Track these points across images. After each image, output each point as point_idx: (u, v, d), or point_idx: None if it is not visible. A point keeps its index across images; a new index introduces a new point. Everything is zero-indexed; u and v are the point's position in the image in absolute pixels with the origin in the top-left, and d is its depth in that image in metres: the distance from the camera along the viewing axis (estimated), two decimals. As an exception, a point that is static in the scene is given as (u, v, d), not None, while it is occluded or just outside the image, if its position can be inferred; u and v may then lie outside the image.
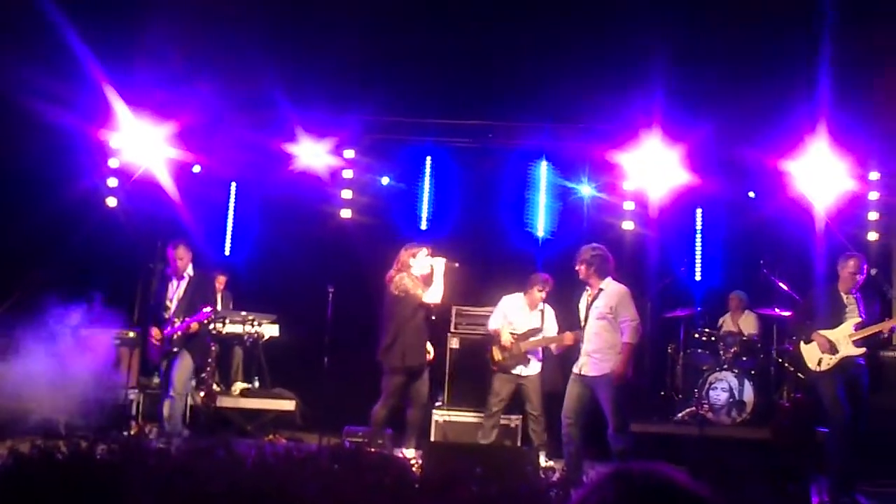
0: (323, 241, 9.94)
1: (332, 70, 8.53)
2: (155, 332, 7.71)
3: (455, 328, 9.10)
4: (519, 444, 8.39)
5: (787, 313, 8.53)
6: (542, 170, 9.94)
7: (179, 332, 7.62)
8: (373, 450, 6.67)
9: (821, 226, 8.96)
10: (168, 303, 7.78)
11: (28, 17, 7.72)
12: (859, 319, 6.86)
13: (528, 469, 5.54)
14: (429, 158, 10.16)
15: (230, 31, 7.84)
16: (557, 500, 4.55)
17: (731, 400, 8.80)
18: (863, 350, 6.82)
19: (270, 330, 9.65)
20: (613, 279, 6.89)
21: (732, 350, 9.09)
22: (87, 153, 9.64)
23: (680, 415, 9.05)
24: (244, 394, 9.50)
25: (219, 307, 9.80)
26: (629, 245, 9.51)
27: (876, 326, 6.80)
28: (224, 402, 9.15)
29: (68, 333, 8.23)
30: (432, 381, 8.64)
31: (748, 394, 8.76)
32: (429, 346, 7.69)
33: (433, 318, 7.57)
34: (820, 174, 8.90)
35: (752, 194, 9.62)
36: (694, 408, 8.89)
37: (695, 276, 10.06)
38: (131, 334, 8.85)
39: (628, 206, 9.63)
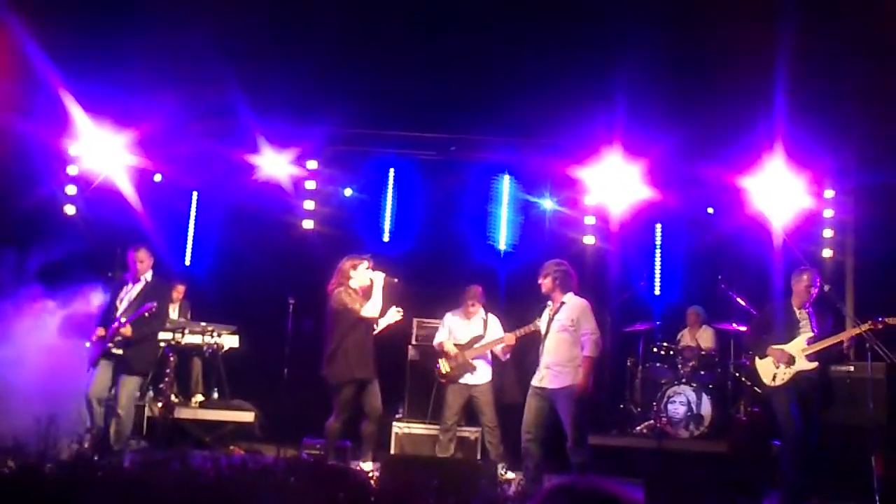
0: (285, 252, 9.90)
1: (296, 80, 8.51)
2: (99, 330, 7.51)
3: (416, 340, 9.11)
4: (478, 456, 8.41)
5: (744, 328, 8.64)
6: (505, 184, 10.02)
7: (121, 330, 7.38)
8: (330, 462, 6.63)
9: (778, 242, 9.11)
10: (118, 303, 7.59)
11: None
12: (812, 334, 6.97)
13: (484, 482, 5.55)
14: (392, 170, 10.19)
15: (192, 40, 7.78)
16: (512, 513, 4.56)
17: (689, 413, 8.89)
18: (815, 364, 6.92)
19: (230, 341, 9.57)
20: (575, 294, 6.95)
21: (691, 364, 9.20)
22: (46, 160, 9.50)
23: (638, 428, 9.12)
24: (203, 405, 9.41)
25: (175, 316, 9.75)
26: (590, 259, 9.62)
27: (828, 340, 6.90)
28: (182, 413, 9.05)
29: (23, 341, 8.06)
30: (392, 394, 8.64)
31: (706, 408, 8.85)
32: (398, 310, 7.68)
33: (375, 328, 7.53)
34: (777, 191, 9.06)
35: (710, 210, 9.76)
36: (652, 421, 8.97)
37: (654, 290, 10.17)
38: (87, 344, 8.72)
39: (589, 220, 9.73)
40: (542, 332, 6.98)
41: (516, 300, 8.47)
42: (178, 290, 9.84)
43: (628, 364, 9.63)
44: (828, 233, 9.50)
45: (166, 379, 8.60)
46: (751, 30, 7.67)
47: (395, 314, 7.62)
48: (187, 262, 10.56)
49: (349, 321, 7.33)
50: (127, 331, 7.39)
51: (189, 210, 10.65)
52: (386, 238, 10.12)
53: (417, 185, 10.15)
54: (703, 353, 9.32)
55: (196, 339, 9.28)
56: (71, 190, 9.75)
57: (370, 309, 7.35)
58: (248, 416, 9.21)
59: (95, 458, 4.46)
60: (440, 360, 8.25)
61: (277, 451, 7.50)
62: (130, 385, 7.50)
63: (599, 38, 8.06)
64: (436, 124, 9.54)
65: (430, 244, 10.01)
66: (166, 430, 8.55)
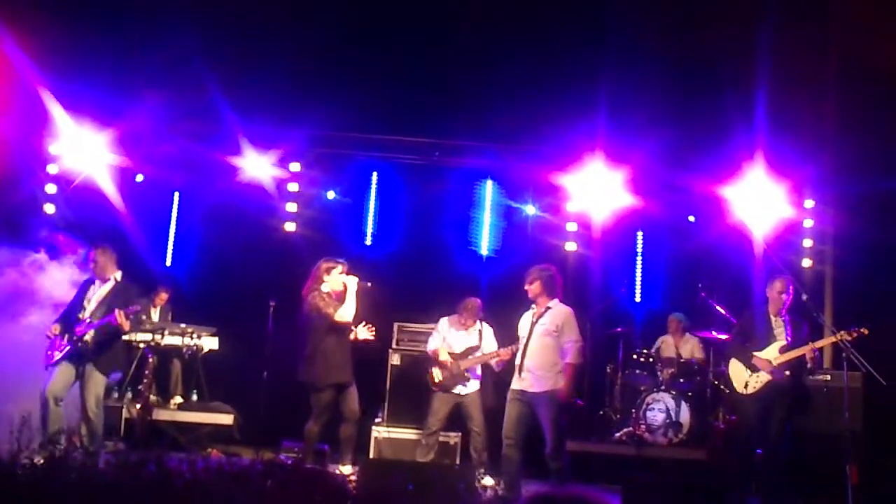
0: (266, 254, 9.87)
1: (279, 82, 8.50)
2: (54, 326, 7.35)
3: (397, 344, 9.10)
4: (458, 461, 8.40)
5: (724, 336, 8.68)
6: (488, 189, 10.03)
7: (87, 332, 7.25)
8: (308, 466, 6.60)
9: (758, 251, 9.17)
10: (86, 303, 7.44)
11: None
12: (785, 342, 7.01)
13: (462, 487, 5.54)
14: (375, 174, 10.18)
15: (175, 40, 7.76)
16: (489, 518, 4.56)
17: (667, 421, 8.91)
18: (786, 373, 6.94)
19: (210, 343, 9.52)
20: (560, 301, 6.96)
21: (670, 371, 9.23)
22: (25, 159, 9.43)
23: (617, 434, 9.14)
24: (181, 407, 9.36)
25: (157, 319, 9.70)
26: (572, 265, 9.64)
27: (799, 350, 6.92)
28: (161, 415, 9.00)
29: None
30: (373, 398, 8.63)
31: (685, 415, 8.88)
32: (370, 329, 7.63)
33: (352, 331, 7.50)
34: (757, 201, 9.12)
35: (692, 218, 9.81)
36: (631, 428, 8.99)
37: (635, 297, 10.21)
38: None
39: (571, 227, 9.75)
40: (525, 335, 6.96)
41: (498, 305, 8.47)
42: (161, 298, 9.82)
43: (608, 370, 9.65)
44: (807, 242, 9.58)
45: (145, 380, 8.54)
46: (733, 40, 7.75)
47: (365, 332, 7.58)
48: (168, 263, 10.49)
49: (324, 325, 7.32)
50: (88, 336, 7.29)
51: (171, 210, 10.59)
52: (368, 242, 10.10)
53: (400, 190, 10.15)
54: (682, 360, 9.36)
55: (176, 341, 9.23)
56: (51, 189, 9.68)
57: (343, 313, 7.34)
58: (226, 419, 9.17)
59: (68, 458, 4.39)
60: (433, 369, 8.11)
61: (255, 453, 7.46)
62: (96, 386, 7.31)
63: (583, 46, 8.11)
64: (419, 129, 9.55)
65: (412, 248, 10.00)
66: (144, 431, 8.50)
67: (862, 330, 6.88)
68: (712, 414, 9.20)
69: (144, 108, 8.75)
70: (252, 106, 8.82)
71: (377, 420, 8.88)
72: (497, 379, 8.08)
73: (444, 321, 8.33)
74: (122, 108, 8.92)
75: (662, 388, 9.07)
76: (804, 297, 7.28)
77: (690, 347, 9.57)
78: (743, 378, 7.05)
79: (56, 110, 8.78)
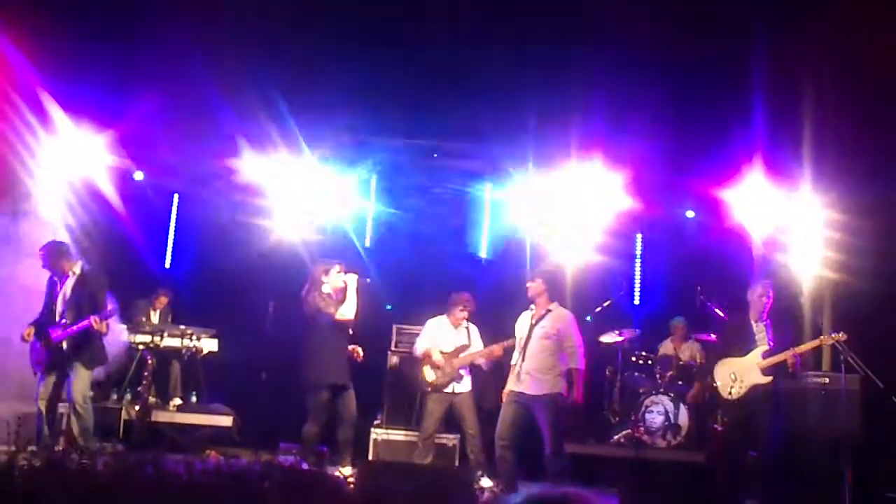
0: (265, 256, 9.86)
1: (278, 85, 8.49)
2: (28, 329, 7.34)
3: (395, 346, 9.11)
4: (457, 463, 8.40)
5: (721, 340, 8.68)
6: (487, 191, 10.01)
7: (64, 339, 7.24)
8: (305, 467, 6.61)
9: (757, 254, 9.16)
10: (55, 305, 7.40)
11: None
12: (767, 347, 7.01)
13: (460, 489, 5.54)
14: (374, 177, 10.15)
15: (174, 41, 7.76)
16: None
17: (666, 423, 8.91)
18: (770, 378, 6.94)
19: (209, 344, 9.53)
20: (560, 304, 6.95)
21: (669, 374, 9.23)
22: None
23: (616, 437, 9.14)
24: (180, 408, 9.36)
25: (157, 321, 9.70)
26: (570, 268, 9.61)
27: (781, 356, 6.91)
28: (159, 416, 9.00)
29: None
30: (371, 400, 8.62)
31: (683, 417, 8.88)
32: (359, 350, 7.64)
33: (351, 332, 7.51)
34: (757, 203, 9.11)
35: (690, 213, 9.77)
36: (630, 430, 8.99)
37: (634, 300, 10.21)
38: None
39: (571, 228, 9.70)
40: (523, 336, 6.94)
41: (496, 308, 8.46)
42: (161, 300, 9.83)
43: (607, 373, 9.64)
44: (806, 245, 9.55)
45: (144, 382, 8.55)
46: (731, 42, 7.75)
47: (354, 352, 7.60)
48: (167, 265, 10.50)
49: (324, 326, 7.32)
50: (65, 343, 7.28)
51: (170, 212, 10.59)
52: (367, 243, 10.09)
53: (399, 192, 10.13)
54: (681, 363, 9.36)
55: (175, 343, 9.24)
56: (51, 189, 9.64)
57: (345, 311, 7.35)
58: (225, 421, 9.16)
59: (66, 460, 4.39)
60: (425, 369, 8.09)
61: (254, 455, 7.45)
62: (81, 382, 7.30)
63: (582, 48, 8.11)
64: (418, 130, 9.53)
65: (410, 251, 10.00)
66: (143, 432, 8.50)
67: (840, 335, 6.90)
68: (711, 416, 9.19)
69: (144, 109, 8.73)
70: (251, 108, 8.80)
71: (376, 422, 8.88)
72: (493, 380, 8.07)
73: (431, 322, 8.29)
74: (121, 110, 8.90)
75: (661, 390, 9.07)
76: (802, 299, 7.26)
77: (691, 352, 9.57)
78: (728, 384, 7.06)
79: (54, 110, 8.77)
